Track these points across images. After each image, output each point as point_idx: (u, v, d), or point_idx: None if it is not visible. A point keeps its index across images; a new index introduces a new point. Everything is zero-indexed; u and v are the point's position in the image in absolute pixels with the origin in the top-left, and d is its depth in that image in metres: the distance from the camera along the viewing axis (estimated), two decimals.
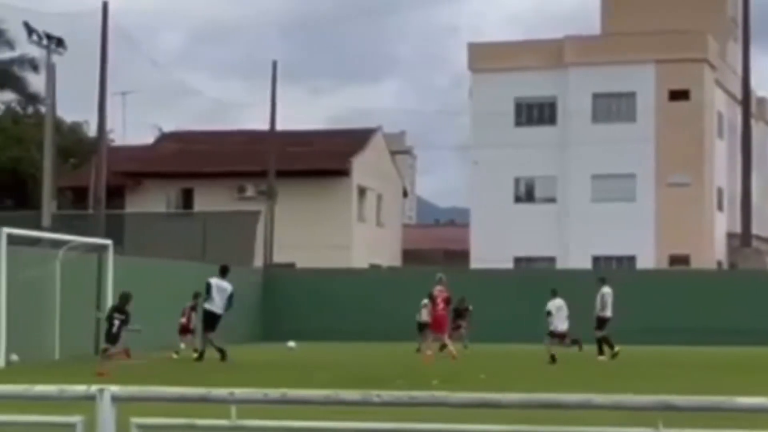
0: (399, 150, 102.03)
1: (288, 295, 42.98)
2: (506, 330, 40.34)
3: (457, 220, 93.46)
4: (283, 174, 51.78)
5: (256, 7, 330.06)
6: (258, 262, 47.61)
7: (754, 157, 62.23)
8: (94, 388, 5.76)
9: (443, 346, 30.46)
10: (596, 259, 58.53)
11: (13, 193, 58.46)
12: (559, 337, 30.41)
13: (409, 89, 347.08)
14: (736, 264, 60.17)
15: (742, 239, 61.36)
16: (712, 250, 61.36)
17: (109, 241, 32.08)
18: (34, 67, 62.01)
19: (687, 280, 43.67)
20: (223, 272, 29.88)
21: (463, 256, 62.76)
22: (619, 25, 64.68)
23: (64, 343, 28.57)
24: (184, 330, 31.84)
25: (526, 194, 64.21)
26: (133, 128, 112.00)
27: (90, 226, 39.60)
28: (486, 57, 64.15)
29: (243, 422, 5.97)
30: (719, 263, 61.84)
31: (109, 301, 30.63)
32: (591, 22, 72.79)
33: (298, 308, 42.17)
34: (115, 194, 53.33)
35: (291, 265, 50.02)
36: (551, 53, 63.25)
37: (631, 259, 59.01)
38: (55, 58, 40.50)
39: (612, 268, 56.43)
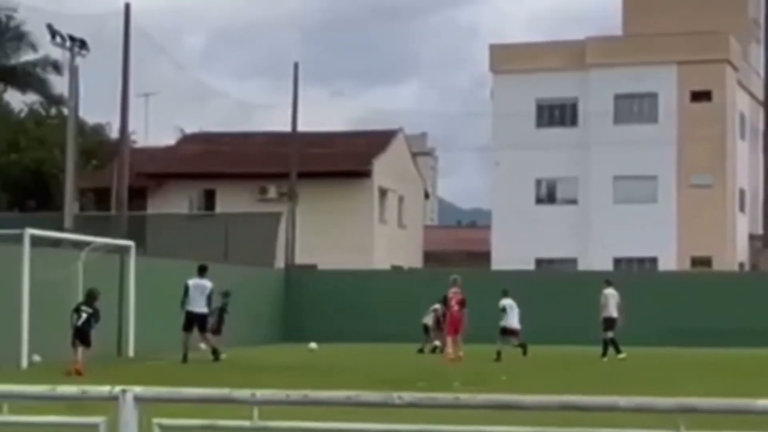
0: (420, 151, 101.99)
1: (309, 296, 43.02)
2: (527, 331, 40.29)
3: (479, 222, 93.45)
4: (304, 175, 51.82)
5: (278, 9, 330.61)
6: (280, 263, 47.67)
7: None
8: (117, 389, 5.78)
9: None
10: (618, 261, 58.37)
11: (36, 194, 58.65)
12: (511, 334, 31.78)
13: (430, 90, 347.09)
14: (758, 265, 59.98)
15: (764, 240, 61.15)
16: (734, 252, 61.15)
17: (131, 243, 32.18)
18: (57, 69, 62.23)
19: (709, 282, 43.51)
20: (201, 271, 29.79)
21: (485, 257, 62.70)
22: (640, 26, 64.54)
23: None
24: (214, 331, 31.92)
25: (547, 195, 64.12)
26: (155, 130, 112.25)
27: (112, 227, 39.72)
28: (507, 58, 64.08)
29: (265, 423, 5.98)
30: (741, 265, 61.61)
31: (132, 302, 30.80)
32: (613, 23, 72.73)
33: (320, 310, 42.20)
34: (138, 195, 53.47)
35: (312, 267, 50.06)
36: (573, 54, 63.15)
37: (653, 261, 58.84)
38: (77, 59, 40.64)
39: (633, 270, 56.38)
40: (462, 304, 30.98)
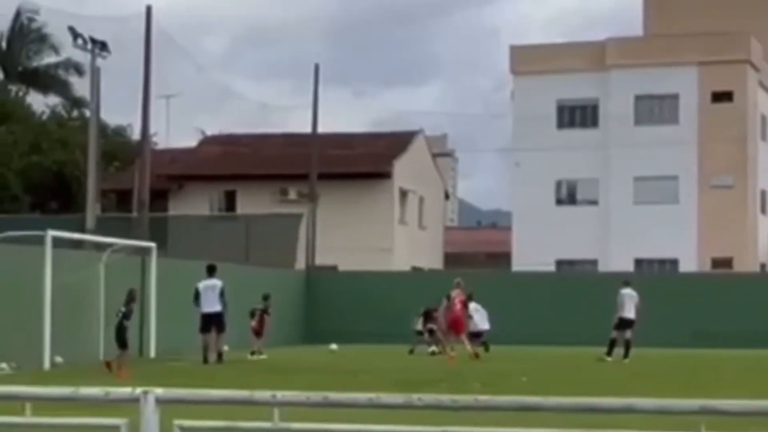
0: (441, 152, 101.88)
1: (330, 297, 43.04)
2: (548, 332, 40.32)
3: (499, 223, 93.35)
4: (325, 177, 51.89)
5: (299, 10, 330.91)
6: (300, 264, 47.73)
7: None
8: (138, 390, 5.81)
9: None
10: (638, 262, 58.23)
11: (58, 196, 58.86)
12: (477, 337, 32.38)
13: (451, 92, 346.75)
14: None
15: None
16: (755, 253, 60.93)
17: (152, 244, 32.29)
18: (79, 71, 62.59)
19: (730, 283, 43.38)
20: (210, 271, 29.83)
21: (505, 258, 62.66)
22: (661, 27, 64.39)
23: (108, 346, 28.73)
24: (256, 332, 32.12)
25: (568, 197, 64.01)
26: (176, 131, 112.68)
27: (133, 228, 39.85)
28: (528, 59, 64.01)
29: (286, 425, 6.00)
30: (762, 266, 61.38)
31: (153, 303, 30.89)
32: (633, 23, 72.59)
33: (340, 311, 42.22)
34: (159, 197, 53.61)
35: (333, 268, 50.09)
36: (593, 55, 63.04)
37: (674, 262, 58.68)
38: (99, 61, 40.80)
39: (654, 271, 56.26)
40: (464, 304, 31.15)
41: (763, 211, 63.73)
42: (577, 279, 46.44)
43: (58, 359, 26.58)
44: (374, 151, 58.53)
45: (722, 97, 61.29)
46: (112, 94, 59.58)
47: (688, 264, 57.09)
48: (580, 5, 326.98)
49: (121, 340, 25.08)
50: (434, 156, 68.62)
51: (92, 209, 40.78)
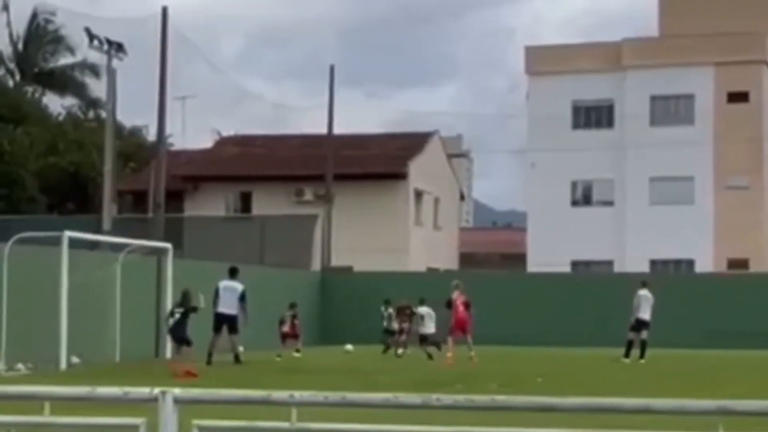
0: (456, 153, 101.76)
1: (345, 298, 43.08)
2: (563, 333, 40.29)
3: (514, 224, 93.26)
4: (340, 178, 51.91)
5: (314, 11, 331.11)
6: (316, 265, 47.75)
7: None
8: (156, 390, 5.83)
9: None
10: (654, 263, 58.13)
11: (74, 196, 59.00)
12: (424, 340, 33.06)
13: (466, 92, 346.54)
14: None
15: None
16: None
17: (168, 245, 32.32)
18: (95, 73, 62.82)
19: (746, 284, 43.29)
20: (233, 273, 29.87)
21: (520, 259, 62.64)
22: (677, 27, 64.22)
23: (124, 346, 28.83)
24: (285, 336, 33.09)
25: (583, 197, 63.94)
26: (192, 132, 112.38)
27: (149, 229, 39.90)
28: (543, 60, 63.97)
29: (303, 425, 6.02)
30: None
31: (169, 303, 30.91)
32: (649, 24, 72.45)
33: (356, 311, 42.22)
34: (175, 198, 53.67)
35: (348, 269, 50.10)
36: (609, 56, 62.97)
37: (690, 263, 58.57)
38: (115, 63, 40.85)
39: (670, 272, 56.15)
40: (466, 305, 31.20)
41: None
42: (593, 280, 46.41)
43: (75, 359, 26.66)
44: (389, 152, 58.55)
45: (738, 97, 61.15)
46: (128, 95, 59.82)
47: (704, 265, 56.95)
48: (596, 6, 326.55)
49: (184, 338, 25.20)
50: (449, 157, 68.60)
51: (108, 210, 40.85)
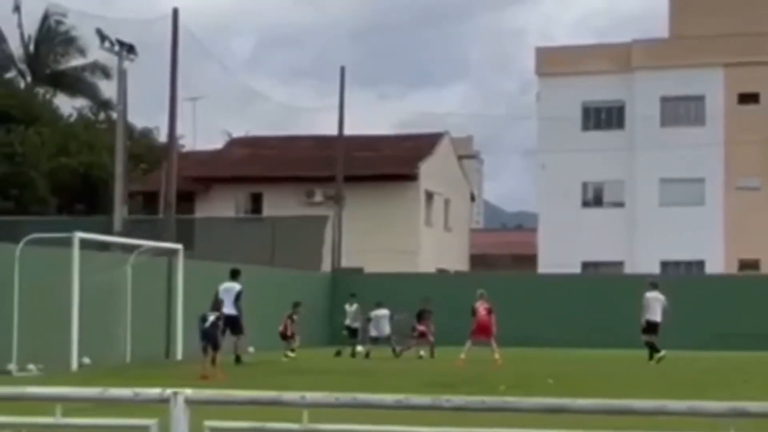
0: (466, 154, 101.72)
1: (356, 299, 42.97)
2: (574, 334, 40.25)
3: (525, 225, 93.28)
4: (351, 179, 51.93)
5: (324, 12, 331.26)
6: (326, 266, 47.75)
7: None
8: (168, 391, 5.83)
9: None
10: (665, 264, 58.06)
11: (85, 198, 59.04)
12: (375, 341, 34.68)
13: (476, 93, 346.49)
14: None
15: None
16: None
17: (179, 246, 32.36)
18: (106, 74, 62.85)
19: (757, 285, 43.20)
20: (233, 275, 29.79)
21: (531, 260, 62.60)
22: (687, 29, 64.13)
23: (135, 347, 28.86)
24: (283, 336, 32.80)
25: (594, 199, 63.90)
26: (203, 134, 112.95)
27: (160, 230, 39.94)
28: (553, 61, 63.94)
29: (314, 426, 6.01)
30: None
31: (180, 304, 30.95)
32: (659, 25, 72.33)
33: (366, 313, 42.11)
34: (185, 199, 53.72)
35: (359, 270, 50.10)
36: (619, 57, 62.93)
37: (700, 264, 58.50)
38: (126, 64, 40.89)
39: (681, 273, 56.07)
40: (489, 311, 31.20)
41: None
42: (603, 281, 46.33)
43: (86, 360, 26.70)
44: (400, 154, 58.55)
45: (749, 98, 61.07)
46: (139, 97, 59.96)
47: (715, 266, 56.88)
48: (606, 7, 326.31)
49: (217, 342, 25.17)
50: (460, 158, 68.61)
51: (119, 211, 40.89)
